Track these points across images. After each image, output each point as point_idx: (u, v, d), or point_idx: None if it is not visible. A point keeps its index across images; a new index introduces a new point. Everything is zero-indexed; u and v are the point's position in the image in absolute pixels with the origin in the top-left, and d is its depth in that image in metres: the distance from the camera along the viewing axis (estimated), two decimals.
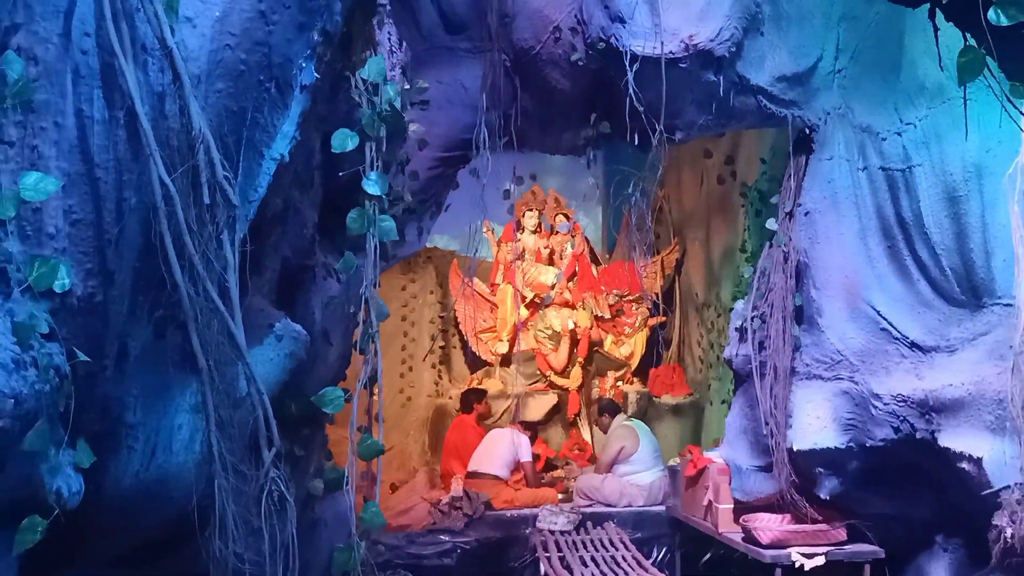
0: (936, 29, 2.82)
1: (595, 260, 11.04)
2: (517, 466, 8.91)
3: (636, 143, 6.25)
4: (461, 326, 10.68)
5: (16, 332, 2.35)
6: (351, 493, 3.23)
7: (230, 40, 2.85)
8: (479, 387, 10.10)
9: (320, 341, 4.23)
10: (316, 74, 3.05)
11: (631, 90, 4.96)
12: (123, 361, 2.87)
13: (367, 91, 3.35)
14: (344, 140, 3.37)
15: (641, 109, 4.86)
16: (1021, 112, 2.71)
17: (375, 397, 3.92)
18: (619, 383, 10.47)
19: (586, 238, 10.95)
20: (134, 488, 3.02)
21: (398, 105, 3.42)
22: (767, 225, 6.87)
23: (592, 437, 10.13)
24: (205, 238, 2.70)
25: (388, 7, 4.42)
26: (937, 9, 2.70)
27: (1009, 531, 4.93)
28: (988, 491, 5.47)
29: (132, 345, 2.89)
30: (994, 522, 5.10)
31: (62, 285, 2.57)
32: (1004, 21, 2.39)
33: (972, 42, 2.50)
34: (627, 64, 5.66)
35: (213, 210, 2.71)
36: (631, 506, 8.45)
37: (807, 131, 6.58)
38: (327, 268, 4.35)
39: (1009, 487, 5.24)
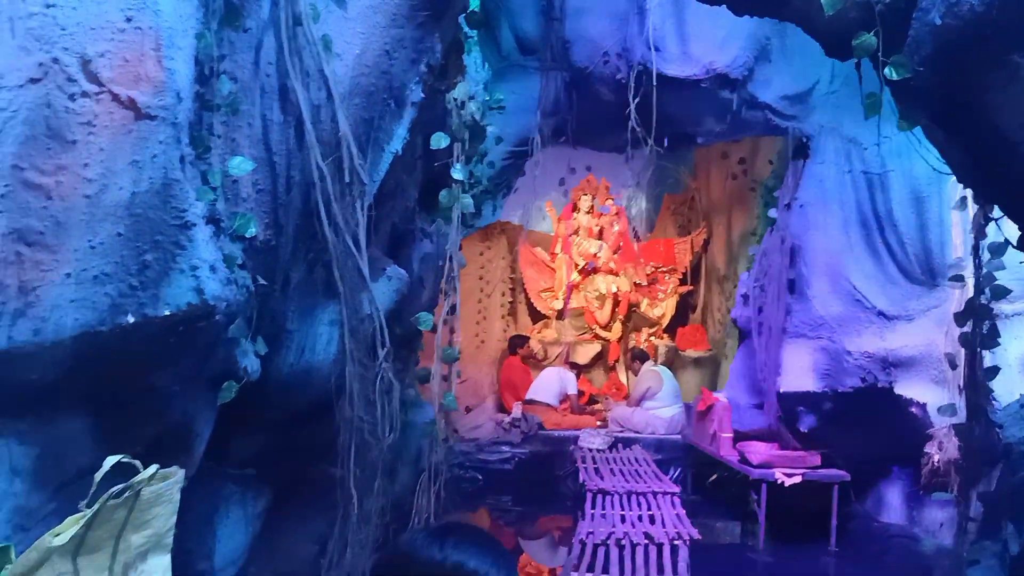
0: (860, 78, 3.33)
1: (636, 237, 11.41)
2: (565, 397, 9.47)
3: (665, 145, 6.73)
4: (525, 286, 11.16)
5: (225, 261, 3.05)
6: (438, 379, 3.84)
7: (365, 70, 3.48)
8: (522, 334, 10.62)
9: (416, 285, 4.87)
10: (422, 94, 3.68)
11: (632, 110, 5.31)
12: (286, 287, 3.54)
13: (456, 106, 3.98)
14: (439, 140, 4.01)
15: (638, 129, 5.19)
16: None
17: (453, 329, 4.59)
18: (652, 338, 10.86)
19: (628, 218, 11.29)
20: (289, 375, 3.71)
21: (478, 117, 4.04)
22: (769, 214, 7.30)
23: (627, 379, 10.58)
24: (345, 205, 3.35)
25: (475, 38, 4.98)
26: (860, 62, 3.22)
27: (936, 457, 5.41)
28: (931, 430, 5.94)
29: (292, 276, 3.56)
30: (925, 450, 5.58)
31: (251, 232, 3.21)
32: (895, 76, 2.95)
33: (876, 88, 3.04)
34: (653, 84, 6.02)
35: (351, 186, 3.36)
36: (654, 434, 8.91)
37: (804, 140, 7.00)
38: (423, 231, 4.98)
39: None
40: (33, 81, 2.64)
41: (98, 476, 2.68)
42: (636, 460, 8.08)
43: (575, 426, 8.96)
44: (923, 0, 2.93)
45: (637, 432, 8.93)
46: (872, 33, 2.99)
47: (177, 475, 3.09)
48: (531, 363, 10.22)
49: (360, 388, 3.37)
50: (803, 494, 6.79)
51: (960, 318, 3.89)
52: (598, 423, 9.32)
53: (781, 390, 6.97)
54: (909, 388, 6.22)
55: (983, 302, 3.80)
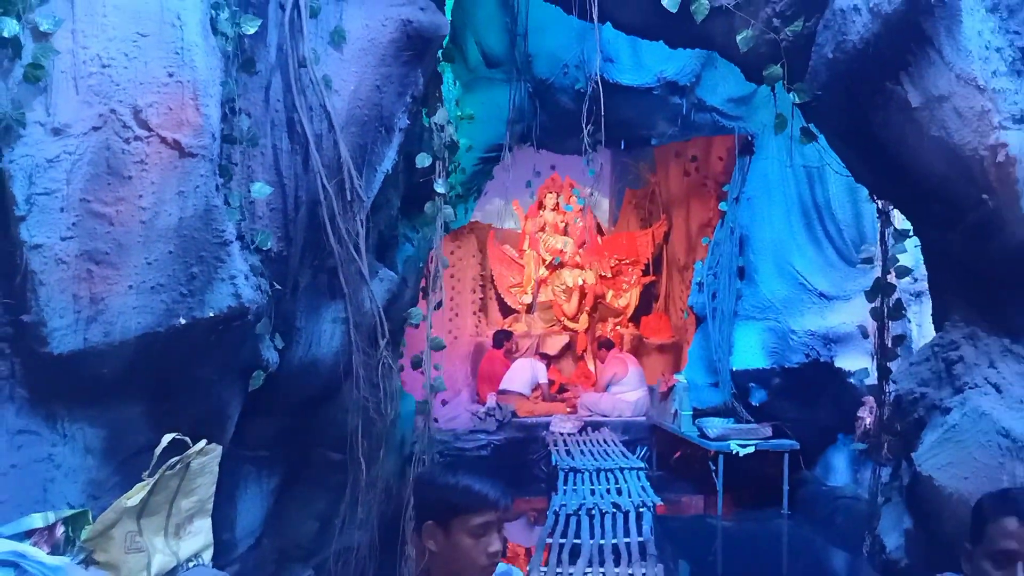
0: (775, 98, 4.12)
1: (600, 231, 12.15)
2: (536, 386, 10.19)
3: (622, 147, 7.46)
4: (495, 282, 11.86)
5: (251, 270, 3.73)
6: (429, 366, 4.56)
7: (359, 103, 4.15)
8: (508, 329, 11.32)
9: (401, 284, 5.56)
10: (407, 120, 4.37)
11: (583, 117, 5.87)
12: (296, 291, 4.20)
13: (436, 129, 4.69)
14: (424, 159, 4.72)
15: (584, 138, 5.78)
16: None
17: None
18: (617, 327, 11.64)
19: (593, 214, 12.02)
20: (299, 366, 4.36)
21: (455, 137, 4.74)
22: (719, 207, 8.09)
23: (595, 367, 11.34)
24: (347, 219, 4.03)
25: (452, 61, 5.64)
26: (775, 86, 4.00)
27: (867, 420, 6.21)
28: (864, 397, 6.74)
29: (301, 281, 4.21)
30: (858, 414, 6.39)
31: (268, 245, 3.89)
32: (798, 99, 3.72)
33: (786, 110, 3.82)
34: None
35: (351, 203, 4.04)
36: (621, 416, 9.65)
37: (749, 138, 7.79)
38: (405, 236, 5.66)
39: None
40: (95, 129, 3.31)
41: (158, 450, 3.37)
42: (604, 441, 8.81)
43: (547, 413, 9.65)
44: (818, 37, 3.71)
45: (605, 416, 9.64)
46: (779, 65, 3.76)
47: (217, 450, 3.78)
48: (510, 357, 10.89)
49: (365, 373, 4.07)
50: (757, 463, 7.54)
51: (870, 295, 4.70)
52: (568, 409, 10.01)
53: (734, 368, 7.76)
54: (847, 361, 7.01)
55: (888, 281, 4.61)
